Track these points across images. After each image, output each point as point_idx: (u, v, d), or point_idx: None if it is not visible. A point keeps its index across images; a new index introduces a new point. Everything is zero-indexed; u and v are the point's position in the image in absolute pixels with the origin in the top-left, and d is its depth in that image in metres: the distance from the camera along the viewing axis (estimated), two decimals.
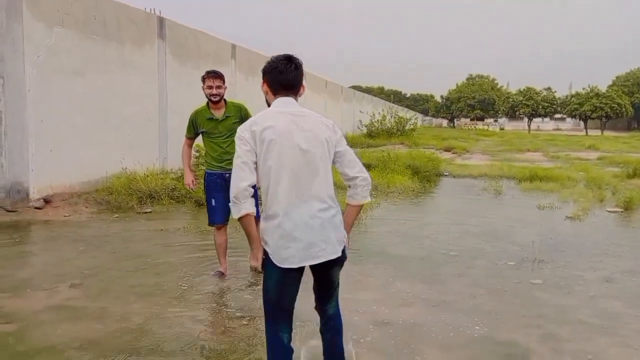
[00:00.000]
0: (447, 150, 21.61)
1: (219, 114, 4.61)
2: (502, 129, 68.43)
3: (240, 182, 2.38)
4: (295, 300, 2.52)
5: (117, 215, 7.41)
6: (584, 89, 59.20)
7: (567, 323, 3.91)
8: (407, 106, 71.66)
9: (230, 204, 2.46)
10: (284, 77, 2.48)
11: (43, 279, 4.64)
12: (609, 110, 55.30)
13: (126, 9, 9.63)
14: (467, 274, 5.09)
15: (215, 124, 4.59)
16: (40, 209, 7.34)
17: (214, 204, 4.61)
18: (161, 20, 10.69)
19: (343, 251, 2.52)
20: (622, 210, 8.69)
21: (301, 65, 2.54)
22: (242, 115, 4.58)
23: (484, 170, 13.57)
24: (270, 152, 2.38)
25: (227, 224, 4.68)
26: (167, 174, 9.68)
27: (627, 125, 70.87)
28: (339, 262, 2.52)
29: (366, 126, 27.93)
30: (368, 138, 25.33)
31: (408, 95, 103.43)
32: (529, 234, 6.78)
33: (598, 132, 53.24)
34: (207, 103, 4.65)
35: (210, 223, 4.73)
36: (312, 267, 2.47)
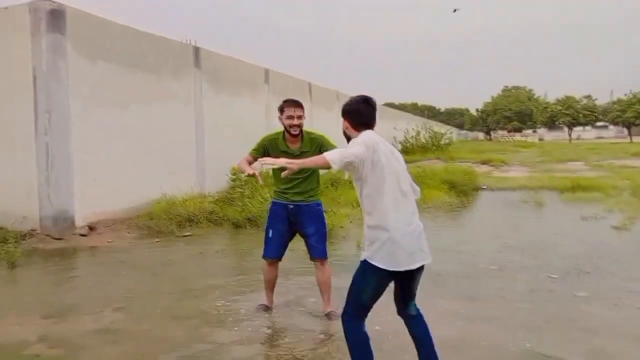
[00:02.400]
0: (484, 163, 21.20)
1: (294, 147, 4.13)
2: (541, 139, 66.79)
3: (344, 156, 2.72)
4: None
5: (157, 240, 7.61)
6: (626, 95, 57.32)
7: (616, 337, 3.76)
8: (442, 121, 70.93)
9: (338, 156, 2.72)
10: (364, 117, 2.94)
11: (88, 303, 4.79)
12: None
13: (164, 42, 10.02)
14: (509, 289, 4.97)
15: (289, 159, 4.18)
16: (85, 235, 7.61)
17: (270, 235, 4.24)
18: (196, 50, 11.05)
19: None
20: None
21: (376, 105, 3.00)
22: (321, 148, 4.02)
23: (523, 182, 13.28)
24: (379, 169, 2.77)
25: (280, 260, 4.34)
26: (205, 197, 9.89)
27: None
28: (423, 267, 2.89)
29: (400, 143, 27.78)
30: (403, 154, 25.13)
31: (442, 110, 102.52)
32: (572, 246, 6.59)
33: None
34: (283, 133, 4.18)
35: (264, 256, 4.32)
36: (404, 272, 2.80)
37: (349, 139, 2.99)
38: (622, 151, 27.93)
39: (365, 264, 2.82)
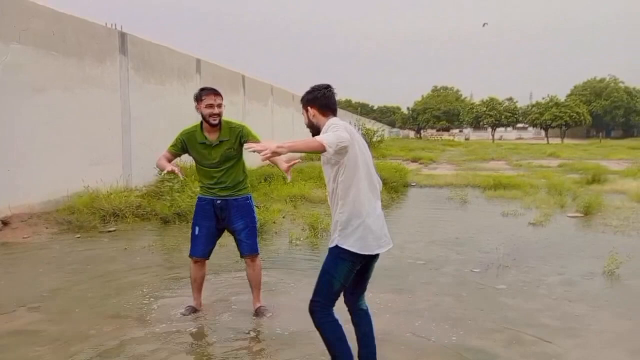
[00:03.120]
0: (414, 161, 21.92)
1: (213, 137, 3.92)
2: (467, 139, 69.91)
3: (340, 140, 2.66)
4: None
5: (79, 236, 7.21)
6: (543, 98, 61.14)
7: (531, 326, 3.98)
8: (374, 118, 72.46)
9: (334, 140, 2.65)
10: (331, 101, 2.96)
11: (1, 303, 4.46)
12: (568, 119, 57.15)
13: (86, 25, 9.47)
14: (434, 282, 5.15)
15: (209, 150, 3.92)
16: None
17: (197, 232, 4.05)
18: (123, 36, 10.55)
19: None
20: (582, 215, 8.96)
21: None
22: (241, 139, 3.92)
23: (449, 180, 13.82)
24: (353, 155, 2.80)
25: (207, 258, 4.15)
26: (132, 191, 9.50)
27: (586, 133, 73.34)
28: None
29: None
30: None
31: (375, 108, 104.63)
32: (493, 241, 6.92)
33: (558, 141, 54.93)
34: (201, 124, 3.96)
35: (190, 255, 4.13)
36: (369, 258, 2.91)
37: (315, 129, 2.96)
38: (540, 152, 29.79)
39: (336, 250, 2.85)
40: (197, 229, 4.06)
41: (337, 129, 2.75)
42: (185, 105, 13.08)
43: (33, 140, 8.02)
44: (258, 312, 4.11)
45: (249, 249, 4.08)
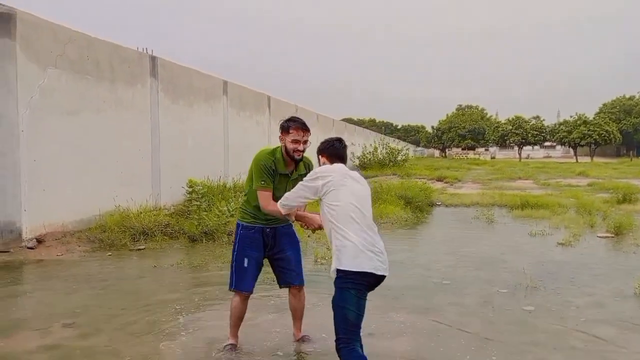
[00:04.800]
0: (439, 180, 21.77)
1: (290, 170, 3.76)
2: (493, 157, 69.12)
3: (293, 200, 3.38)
4: None
5: (110, 253, 7.40)
6: (571, 116, 60.24)
7: (560, 349, 3.93)
8: (399, 137, 72.40)
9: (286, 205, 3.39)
10: (339, 152, 3.42)
11: (36, 319, 4.61)
12: (597, 137, 56.15)
13: (119, 49, 9.83)
14: (460, 303, 5.11)
15: (286, 182, 3.72)
16: (33, 248, 7.32)
17: (246, 264, 3.75)
18: (153, 59, 10.90)
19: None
20: (613, 235, 8.77)
21: (346, 145, 3.53)
22: (308, 171, 3.71)
23: (475, 199, 13.70)
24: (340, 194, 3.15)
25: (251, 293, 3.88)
26: (161, 210, 9.71)
27: (616, 152, 71.84)
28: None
29: (358, 158, 28.16)
30: (361, 170, 25.52)
31: (399, 127, 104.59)
32: (521, 261, 6.83)
33: (588, 159, 53.91)
34: (281, 154, 3.73)
35: (237, 288, 3.78)
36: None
37: None
38: (569, 170, 29.26)
39: (337, 280, 3.11)
40: (246, 260, 3.75)
41: (308, 181, 3.27)
42: (212, 126, 13.41)
43: (67, 161, 8.30)
44: (303, 340, 4.01)
45: (299, 278, 3.92)
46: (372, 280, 3.02)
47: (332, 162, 3.36)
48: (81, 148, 8.62)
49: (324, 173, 3.22)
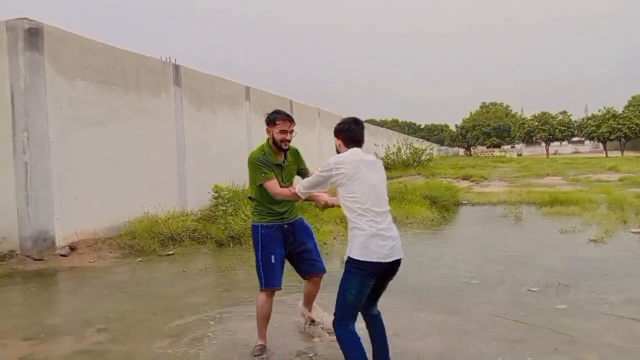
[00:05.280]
0: (464, 178, 21.51)
1: (281, 159, 3.97)
2: (519, 155, 67.99)
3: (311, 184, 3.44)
4: None
5: (140, 259, 7.54)
6: (599, 110, 58.83)
7: (594, 347, 3.84)
8: (422, 137, 71.80)
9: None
10: (355, 134, 3.35)
11: (70, 324, 4.73)
12: (627, 130, 54.66)
13: (143, 59, 10.03)
14: (489, 302, 5.04)
15: (280, 171, 3.94)
16: (66, 256, 7.51)
17: (274, 260, 3.83)
18: (176, 68, 11.08)
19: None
20: None
21: (364, 125, 3.44)
22: (298, 161, 4.14)
23: (502, 197, 13.48)
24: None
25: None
26: (188, 215, 9.84)
27: None
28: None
29: (382, 159, 28.04)
30: (385, 170, 25.38)
31: (422, 126, 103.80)
32: (551, 259, 6.71)
33: (618, 153, 52.53)
34: (269, 146, 3.94)
35: (268, 286, 3.84)
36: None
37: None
38: (598, 165, 28.56)
39: (347, 264, 3.24)
40: (272, 257, 3.84)
41: (322, 172, 3.27)
42: (235, 132, 13.54)
43: (96, 170, 8.50)
44: (314, 320, 4.22)
45: (322, 266, 4.12)
46: (382, 268, 3.12)
47: (347, 145, 3.34)
48: (109, 157, 8.81)
49: (337, 165, 3.21)
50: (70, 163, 8.02)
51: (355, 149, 3.31)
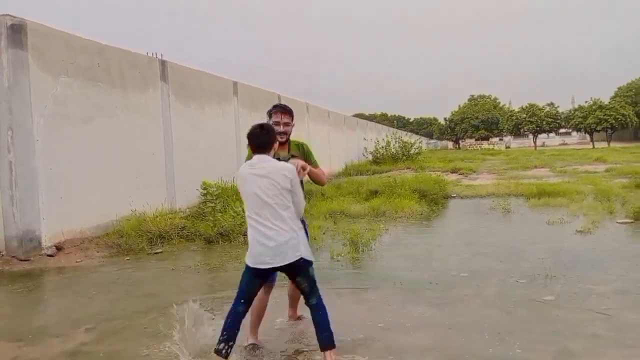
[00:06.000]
0: (453, 172, 21.60)
1: (284, 154, 3.95)
2: (508, 147, 68.42)
3: None
4: None
5: (128, 258, 7.48)
6: (586, 102, 59.32)
7: (581, 337, 3.88)
8: (411, 131, 72.03)
9: None
10: (257, 140, 3.47)
11: (57, 325, 4.68)
12: (613, 121, 55.18)
13: (129, 55, 9.91)
14: (478, 295, 5.07)
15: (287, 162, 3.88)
16: (53, 256, 7.42)
17: None
18: (163, 63, 10.97)
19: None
20: (633, 221, 8.63)
21: (271, 131, 3.51)
22: (305, 154, 4.10)
23: (491, 190, 13.57)
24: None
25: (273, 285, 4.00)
26: (176, 213, 9.78)
27: (634, 136, 70.53)
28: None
29: (371, 153, 28.07)
30: (374, 164, 25.44)
31: (412, 120, 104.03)
32: (539, 251, 6.76)
33: (605, 144, 53.06)
34: None
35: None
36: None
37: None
38: (585, 157, 28.86)
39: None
40: None
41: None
42: (223, 127, 13.46)
43: (82, 167, 8.40)
44: (301, 318, 4.32)
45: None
46: (262, 271, 3.37)
47: (254, 151, 3.50)
48: (96, 154, 8.72)
49: (238, 180, 3.58)
50: (56, 161, 7.92)
51: (259, 156, 3.45)
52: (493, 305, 4.73)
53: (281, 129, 3.91)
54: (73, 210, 8.09)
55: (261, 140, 3.46)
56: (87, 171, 8.49)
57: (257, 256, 3.35)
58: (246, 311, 3.50)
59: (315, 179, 4.10)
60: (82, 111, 8.56)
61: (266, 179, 3.36)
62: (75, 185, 8.22)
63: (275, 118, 3.94)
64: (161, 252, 7.78)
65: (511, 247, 7.21)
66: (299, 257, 3.34)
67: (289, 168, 3.44)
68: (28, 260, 7.21)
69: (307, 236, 4.04)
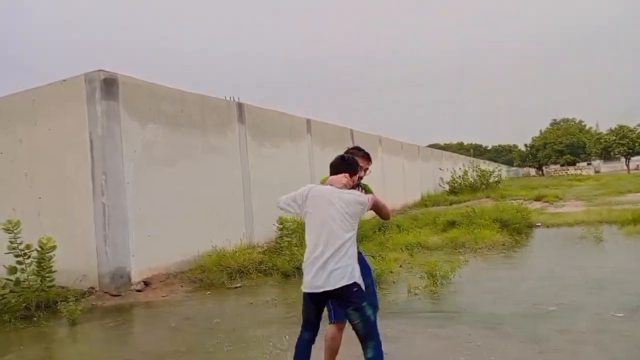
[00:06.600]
0: (537, 199, 20.52)
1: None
2: (597, 172, 64.25)
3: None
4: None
5: (209, 292, 7.72)
6: None
7: None
8: (490, 159, 69.68)
9: None
10: (336, 169, 3.62)
11: (144, 358, 4.89)
12: None
13: (209, 100, 10.50)
14: (569, 330, 4.72)
15: None
16: (141, 291, 7.83)
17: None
18: (240, 106, 11.50)
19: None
20: None
21: (350, 160, 3.66)
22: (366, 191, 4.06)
23: (580, 217, 12.73)
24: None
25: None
26: (254, 248, 10.03)
27: None
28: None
29: (448, 183, 27.41)
30: (451, 195, 24.78)
31: (489, 148, 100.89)
32: (637, 282, 6.21)
33: None
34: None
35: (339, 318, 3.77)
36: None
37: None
38: None
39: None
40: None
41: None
42: (298, 164, 13.76)
43: (167, 207, 8.89)
44: None
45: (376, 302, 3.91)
46: (315, 296, 3.33)
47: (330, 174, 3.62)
48: (179, 195, 9.21)
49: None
50: (144, 202, 8.45)
51: (323, 187, 3.53)
52: (586, 340, 4.39)
53: (362, 174, 3.95)
54: (159, 248, 8.54)
55: (336, 166, 3.60)
56: (172, 211, 8.96)
57: (311, 280, 3.33)
58: (311, 340, 3.47)
59: (379, 212, 3.85)
60: (167, 155, 9.12)
61: (333, 207, 3.37)
62: (162, 224, 8.69)
63: (361, 163, 3.90)
64: (240, 286, 7.97)
65: (605, 278, 6.67)
66: (352, 282, 3.25)
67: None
68: (119, 295, 7.66)
69: (370, 271, 3.92)
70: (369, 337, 3.25)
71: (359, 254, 3.93)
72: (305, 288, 3.35)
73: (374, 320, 3.33)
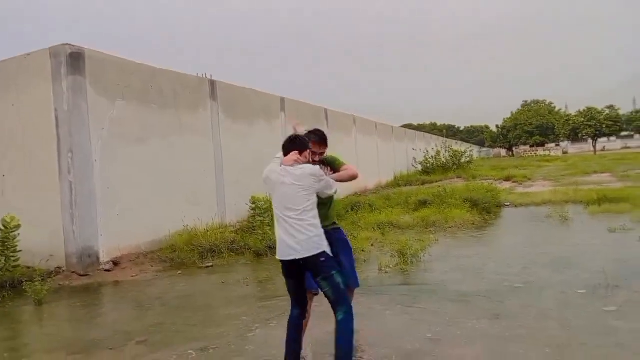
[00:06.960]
0: (506, 180, 20.90)
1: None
2: (565, 153, 65.79)
3: None
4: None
5: (180, 272, 7.67)
6: None
7: None
8: (462, 139, 70.58)
9: None
10: (286, 150, 3.73)
11: (112, 338, 4.83)
12: None
13: (180, 77, 10.27)
14: (534, 306, 4.85)
15: None
16: (110, 271, 7.72)
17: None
18: (212, 83, 11.29)
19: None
20: None
21: (297, 141, 3.73)
22: (329, 164, 4.16)
23: (547, 197, 13.03)
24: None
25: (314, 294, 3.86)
26: (226, 227, 9.96)
27: None
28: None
29: (420, 163, 27.68)
30: (423, 175, 25.04)
31: (462, 129, 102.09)
32: (599, 260, 6.41)
33: None
34: None
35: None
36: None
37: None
38: None
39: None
40: None
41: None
42: (271, 143, 13.63)
43: (138, 186, 8.73)
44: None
45: (355, 281, 4.07)
46: (287, 265, 3.44)
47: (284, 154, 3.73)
48: (150, 173, 9.04)
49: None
50: (113, 180, 8.27)
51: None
52: (551, 317, 4.51)
53: (316, 158, 4.00)
54: (129, 227, 8.40)
55: (289, 149, 3.69)
56: (142, 189, 8.81)
57: (283, 249, 3.43)
58: (300, 315, 3.57)
59: (342, 179, 4.00)
60: (137, 132, 8.91)
61: (291, 184, 3.49)
62: (131, 202, 8.54)
63: (313, 148, 3.95)
64: (212, 265, 7.93)
65: (569, 256, 6.87)
66: (320, 251, 3.34)
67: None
68: (87, 275, 7.53)
69: (349, 243, 4.11)
70: (339, 303, 3.36)
71: (340, 231, 4.10)
72: (278, 256, 3.48)
73: (344, 288, 3.43)
